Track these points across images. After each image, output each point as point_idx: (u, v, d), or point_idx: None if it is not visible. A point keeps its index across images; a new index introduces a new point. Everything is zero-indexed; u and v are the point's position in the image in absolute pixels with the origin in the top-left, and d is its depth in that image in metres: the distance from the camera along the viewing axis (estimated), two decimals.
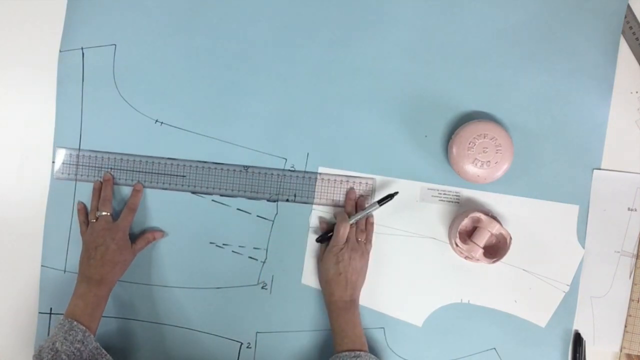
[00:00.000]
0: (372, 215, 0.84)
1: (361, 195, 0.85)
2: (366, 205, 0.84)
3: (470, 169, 0.80)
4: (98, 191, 0.86)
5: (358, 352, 0.76)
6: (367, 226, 0.84)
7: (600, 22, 0.84)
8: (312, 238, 0.86)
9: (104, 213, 0.83)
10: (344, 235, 0.81)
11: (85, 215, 0.86)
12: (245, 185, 0.86)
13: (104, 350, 0.77)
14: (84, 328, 0.75)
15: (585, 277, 0.84)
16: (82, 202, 0.86)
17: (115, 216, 0.85)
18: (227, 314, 0.86)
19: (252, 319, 0.86)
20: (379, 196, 0.84)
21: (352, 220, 0.82)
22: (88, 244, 0.82)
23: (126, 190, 0.86)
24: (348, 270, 0.80)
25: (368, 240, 0.84)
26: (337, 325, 0.79)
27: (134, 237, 0.85)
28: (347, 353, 0.76)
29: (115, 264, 0.81)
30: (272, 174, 0.86)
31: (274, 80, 0.86)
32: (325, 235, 0.84)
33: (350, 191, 0.85)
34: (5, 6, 0.88)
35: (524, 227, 0.84)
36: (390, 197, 0.82)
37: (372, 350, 0.84)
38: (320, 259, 0.83)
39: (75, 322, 0.75)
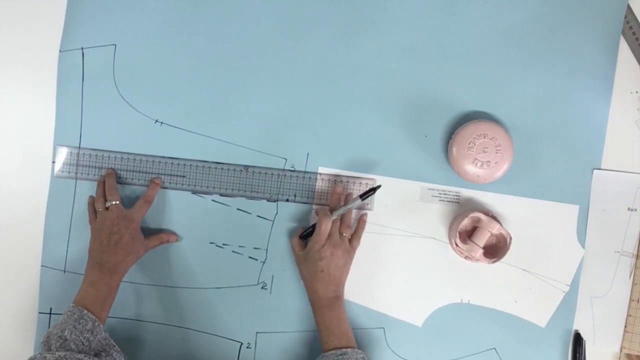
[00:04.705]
0: (366, 214, 0.84)
1: (349, 192, 0.85)
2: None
3: (470, 169, 0.80)
4: (102, 183, 0.85)
5: (344, 350, 0.75)
6: (358, 223, 0.84)
7: (600, 22, 0.84)
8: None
9: (114, 202, 0.82)
10: (325, 230, 0.79)
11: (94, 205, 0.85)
12: (245, 185, 0.86)
13: (112, 341, 0.76)
14: (94, 318, 0.75)
15: (585, 277, 0.84)
16: (92, 196, 0.86)
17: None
18: (227, 314, 0.86)
19: (252, 319, 0.86)
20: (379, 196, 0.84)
21: (335, 216, 0.81)
22: (100, 231, 0.81)
23: (126, 189, 0.87)
24: (331, 267, 0.78)
25: (357, 237, 0.83)
26: (322, 323, 0.78)
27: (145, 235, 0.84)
28: (333, 351, 0.75)
29: (128, 253, 0.80)
30: (272, 173, 0.86)
31: (274, 80, 0.86)
32: (309, 231, 0.83)
33: (337, 185, 0.84)
34: (5, 6, 0.88)
35: (524, 227, 0.84)
36: (372, 190, 0.82)
37: (372, 350, 0.84)
38: (301, 256, 0.82)
39: (85, 311, 0.74)
